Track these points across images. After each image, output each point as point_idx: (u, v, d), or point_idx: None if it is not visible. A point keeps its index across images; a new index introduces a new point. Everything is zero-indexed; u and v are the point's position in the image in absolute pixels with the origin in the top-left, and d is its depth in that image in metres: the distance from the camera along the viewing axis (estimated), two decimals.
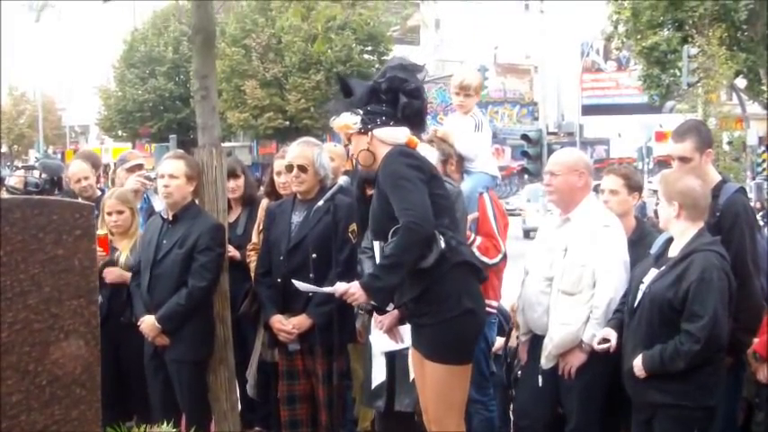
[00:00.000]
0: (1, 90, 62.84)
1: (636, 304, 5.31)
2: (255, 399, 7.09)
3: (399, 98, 5.25)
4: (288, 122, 45.76)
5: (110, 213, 7.12)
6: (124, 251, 7.08)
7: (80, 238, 3.33)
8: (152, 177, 7.57)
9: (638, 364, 5.19)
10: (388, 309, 5.52)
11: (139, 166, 8.12)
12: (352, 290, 5.18)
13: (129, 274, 6.88)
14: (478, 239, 6.31)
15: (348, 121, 5.33)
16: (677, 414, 5.16)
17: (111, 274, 6.93)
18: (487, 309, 6.37)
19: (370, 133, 5.29)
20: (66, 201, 3.85)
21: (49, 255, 3.26)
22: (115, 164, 9.74)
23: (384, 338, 5.90)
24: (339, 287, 5.29)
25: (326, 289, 5.58)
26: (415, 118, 5.35)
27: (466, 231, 5.86)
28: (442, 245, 5.04)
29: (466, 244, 5.43)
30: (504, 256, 6.44)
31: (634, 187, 6.12)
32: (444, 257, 5.05)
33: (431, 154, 5.77)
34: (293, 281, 5.77)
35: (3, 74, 53.82)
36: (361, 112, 5.31)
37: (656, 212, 6.25)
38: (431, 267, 5.04)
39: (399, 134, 5.28)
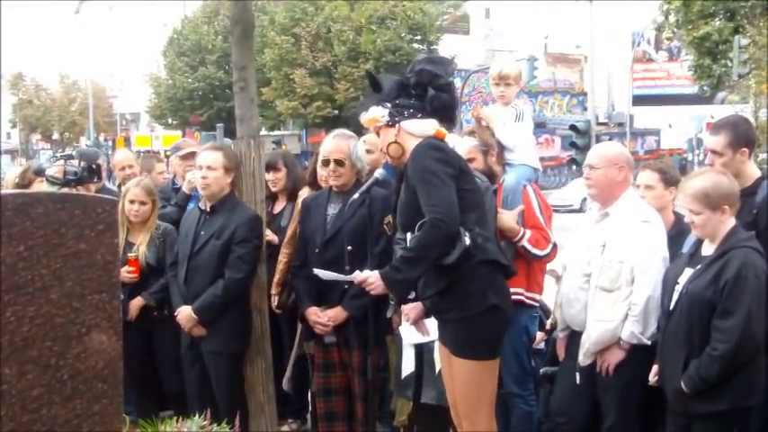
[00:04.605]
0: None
1: (672, 306, 5.19)
2: (290, 392, 7.06)
3: (428, 91, 5.21)
4: (337, 111, 45.88)
5: (132, 202, 7.04)
6: (142, 245, 7.03)
7: (102, 233, 3.30)
8: None
9: (683, 390, 5.06)
10: (410, 297, 5.47)
11: (193, 154, 7.97)
12: (370, 279, 5.14)
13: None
14: (528, 232, 6.23)
15: (376, 114, 5.30)
16: (716, 417, 5.05)
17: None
18: (530, 302, 6.35)
19: (397, 125, 5.24)
20: (88, 195, 3.86)
21: (71, 250, 3.23)
22: (167, 151, 9.72)
23: (412, 330, 5.88)
24: (358, 275, 5.26)
25: (346, 277, 5.58)
26: (443, 111, 5.29)
27: (495, 227, 5.79)
28: (467, 242, 4.94)
29: (493, 241, 5.33)
30: (555, 247, 6.34)
31: (670, 182, 6.00)
32: (469, 254, 4.96)
33: (460, 145, 5.69)
34: (314, 270, 5.77)
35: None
36: (390, 105, 5.27)
37: None
38: (454, 264, 4.95)
39: (427, 126, 5.22)
